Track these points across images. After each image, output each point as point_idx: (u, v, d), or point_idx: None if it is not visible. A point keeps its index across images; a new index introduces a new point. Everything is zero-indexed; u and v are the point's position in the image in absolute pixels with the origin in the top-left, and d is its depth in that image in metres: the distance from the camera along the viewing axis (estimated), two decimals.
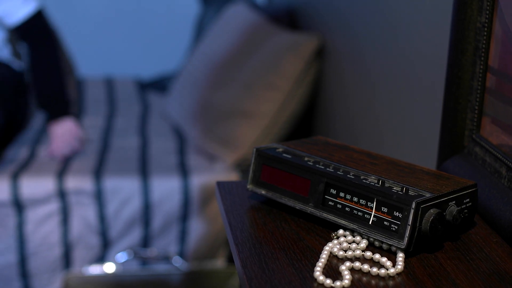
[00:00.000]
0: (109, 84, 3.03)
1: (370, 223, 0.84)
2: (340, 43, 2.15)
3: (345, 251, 0.83)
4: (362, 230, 0.84)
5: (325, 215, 0.88)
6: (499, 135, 0.97)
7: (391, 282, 0.77)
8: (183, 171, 2.14)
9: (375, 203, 0.84)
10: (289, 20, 2.71)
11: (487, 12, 0.97)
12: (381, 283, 0.77)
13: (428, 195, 0.82)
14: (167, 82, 2.96)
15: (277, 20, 2.64)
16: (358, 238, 0.85)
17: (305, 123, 2.45)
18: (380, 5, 1.77)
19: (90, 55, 3.36)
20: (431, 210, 0.81)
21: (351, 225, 0.85)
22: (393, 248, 0.83)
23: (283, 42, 2.33)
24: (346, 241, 0.85)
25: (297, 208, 0.91)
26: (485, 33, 0.98)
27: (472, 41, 1.00)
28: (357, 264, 0.80)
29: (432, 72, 1.40)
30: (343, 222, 0.86)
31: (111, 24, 3.40)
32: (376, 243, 0.85)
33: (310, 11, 2.54)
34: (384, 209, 0.83)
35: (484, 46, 0.98)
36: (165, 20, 3.43)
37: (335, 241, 0.84)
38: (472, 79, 1.01)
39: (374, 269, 0.79)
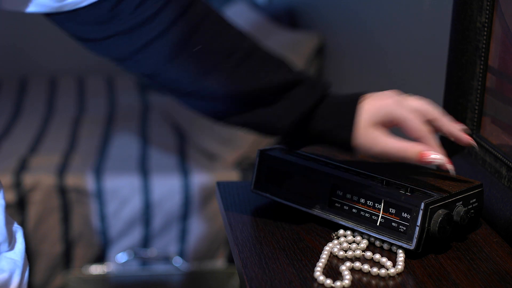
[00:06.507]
0: (110, 83, 3.03)
1: (378, 224, 0.83)
2: (340, 42, 2.15)
3: (345, 251, 0.83)
4: (370, 232, 0.84)
5: (332, 217, 0.87)
6: (499, 135, 0.97)
7: (391, 282, 0.77)
8: (183, 170, 2.15)
9: (382, 204, 0.83)
10: (289, 19, 2.71)
11: (487, 12, 0.97)
12: (381, 283, 0.77)
13: (436, 195, 0.82)
14: None
15: (277, 20, 2.64)
16: (358, 238, 0.85)
17: None
18: (380, 5, 1.77)
19: (91, 54, 3.35)
20: (440, 211, 0.81)
21: (359, 227, 0.85)
22: (394, 248, 0.83)
23: (283, 41, 2.33)
24: (346, 241, 0.85)
25: (303, 210, 0.90)
26: (485, 33, 0.98)
27: (472, 41, 1.00)
28: (357, 264, 0.80)
29: (432, 72, 1.40)
30: (350, 224, 0.86)
31: None
32: (377, 242, 0.85)
33: (310, 10, 2.54)
34: (392, 210, 0.83)
35: (484, 46, 0.98)
36: None
37: (335, 241, 0.84)
38: (472, 79, 1.01)
39: (374, 269, 0.79)
